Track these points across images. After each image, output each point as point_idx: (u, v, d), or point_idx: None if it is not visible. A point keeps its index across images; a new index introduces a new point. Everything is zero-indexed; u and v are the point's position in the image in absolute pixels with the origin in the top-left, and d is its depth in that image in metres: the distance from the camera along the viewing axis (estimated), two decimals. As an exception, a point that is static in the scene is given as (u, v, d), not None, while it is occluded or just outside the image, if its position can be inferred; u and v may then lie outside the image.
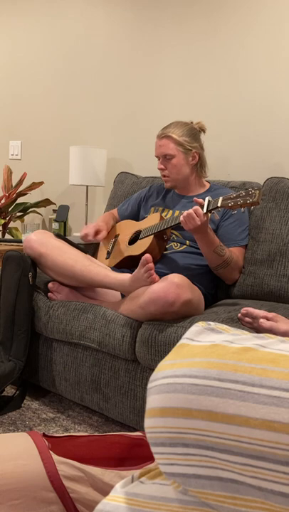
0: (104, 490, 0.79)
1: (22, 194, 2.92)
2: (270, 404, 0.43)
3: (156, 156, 1.98)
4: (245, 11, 2.27)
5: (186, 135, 1.93)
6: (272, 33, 2.20)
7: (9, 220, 2.93)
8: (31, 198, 3.11)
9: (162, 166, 1.97)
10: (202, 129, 2.02)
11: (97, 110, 2.86)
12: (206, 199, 1.65)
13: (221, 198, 1.62)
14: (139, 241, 1.94)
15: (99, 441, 0.90)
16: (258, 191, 1.55)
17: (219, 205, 1.61)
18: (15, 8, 3.22)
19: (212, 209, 1.62)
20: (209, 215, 1.68)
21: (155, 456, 0.50)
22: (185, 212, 1.64)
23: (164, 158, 1.95)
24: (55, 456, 0.79)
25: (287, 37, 2.16)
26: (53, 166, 3.10)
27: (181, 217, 1.65)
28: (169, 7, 2.52)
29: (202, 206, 1.64)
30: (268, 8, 2.20)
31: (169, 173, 1.96)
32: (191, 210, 1.62)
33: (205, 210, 1.62)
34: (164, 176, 1.99)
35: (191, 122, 2.01)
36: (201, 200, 1.65)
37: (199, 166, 1.99)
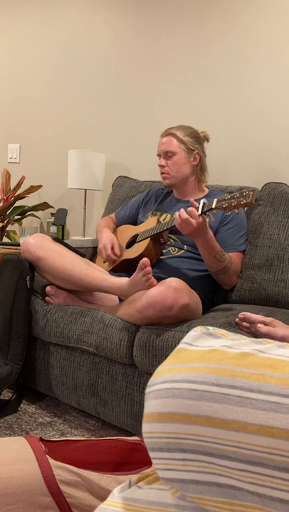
0: (101, 495, 0.79)
1: (20, 197, 2.92)
2: (268, 409, 0.43)
3: (158, 155, 1.99)
4: (244, 20, 2.28)
5: (190, 136, 1.95)
6: (271, 41, 2.21)
7: (7, 224, 2.93)
8: (29, 201, 3.11)
9: (163, 163, 1.97)
10: (206, 138, 2.04)
11: (96, 114, 2.87)
12: (201, 201, 1.66)
13: (215, 200, 1.62)
14: (135, 244, 1.95)
15: (96, 446, 0.90)
16: (251, 192, 1.55)
17: (213, 206, 1.61)
18: (14, 12, 3.23)
19: (206, 211, 1.63)
20: (207, 219, 1.68)
21: (153, 461, 0.50)
22: (177, 214, 1.64)
23: (166, 156, 1.96)
24: (51, 461, 0.79)
25: (286, 45, 2.17)
26: (51, 169, 3.11)
27: (177, 220, 1.65)
28: (169, 12, 2.53)
29: (197, 209, 1.64)
30: (269, 16, 2.21)
31: (169, 170, 1.96)
32: (183, 212, 1.63)
33: (200, 211, 1.63)
34: (163, 173, 1.99)
35: (196, 130, 2.02)
36: (195, 203, 1.66)
37: (199, 168, 2.00)
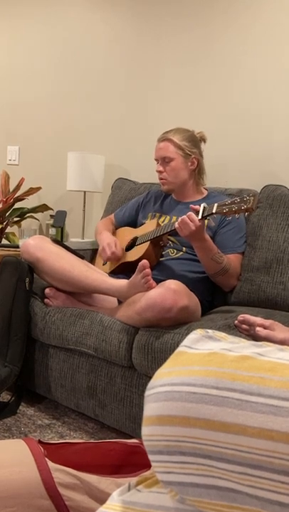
0: (100, 498, 0.78)
1: (19, 199, 2.92)
2: (267, 413, 0.43)
3: (156, 159, 1.99)
4: (243, 21, 2.29)
5: (187, 140, 1.95)
6: (271, 41, 2.22)
7: (6, 225, 2.92)
8: (29, 203, 3.11)
9: (161, 169, 1.97)
10: (203, 139, 2.04)
11: (96, 116, 2.87)
12: (202, 205, 1.66)
13: (215, 205, 1.62)
14: (135, 247, 1.95)
15: (95, 449, 0.89)
16: (252, 198, 1.55)
17: (214, 211, 1.61)
18: (14, 12, 3.23)
19: (207, 215, 1.63)
20: (206, 222, 1.68)
21: (152, 464, 0.50)
22: (179, 219, 1.64)
23: (163, 161, 1.96)
24: (50, 464, 0.79)
25: (285, 46, 2.18)
26: (50, 171, 3.11)
27: (176, 224, 1.66)
28: (169, 12, 2.54)
29: (197, 212, 1.64)
30: (267, 18, 2.22)
31: (166, 176, 1.97)
32: (184, 216, 1.63)
33: (200, 216, 1.63)
34: (162, 179, 1.99)
35: (193, 131, 2.02)
36: (196, 207, 1.66)
37: (198, 172, 2.00)
